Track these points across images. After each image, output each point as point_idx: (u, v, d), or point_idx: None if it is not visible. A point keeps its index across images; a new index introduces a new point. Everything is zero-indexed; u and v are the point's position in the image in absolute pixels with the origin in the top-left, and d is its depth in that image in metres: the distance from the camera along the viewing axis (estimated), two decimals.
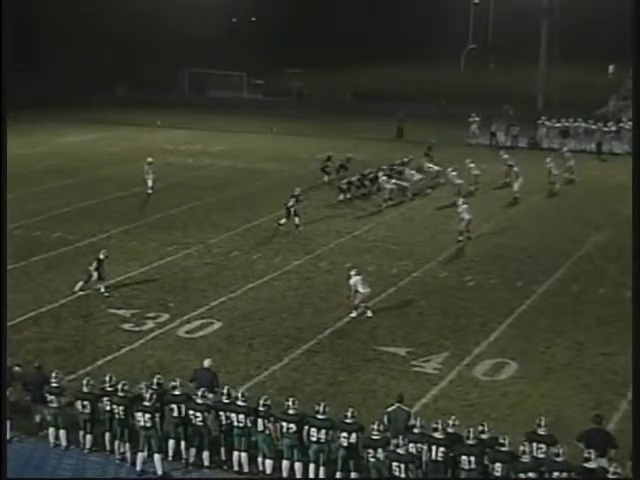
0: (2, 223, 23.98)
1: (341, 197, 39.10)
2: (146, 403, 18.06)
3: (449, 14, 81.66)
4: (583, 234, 34.18)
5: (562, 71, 64.63)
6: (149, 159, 40.07)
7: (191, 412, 18.19)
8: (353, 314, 25.83)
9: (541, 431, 17.05)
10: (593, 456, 16.15)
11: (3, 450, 17.76)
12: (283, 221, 34.53)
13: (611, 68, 71.47)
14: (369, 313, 25.89)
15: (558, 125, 52.57)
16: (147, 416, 17.96)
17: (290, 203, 34.65)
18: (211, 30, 73.79)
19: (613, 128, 51.16)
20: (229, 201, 39.20)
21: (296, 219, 34.48)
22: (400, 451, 16.65)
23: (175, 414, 18.27)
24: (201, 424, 18.12)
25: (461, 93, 65.98)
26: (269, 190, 41.07)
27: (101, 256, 27.59)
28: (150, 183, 39.53)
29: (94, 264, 27.34)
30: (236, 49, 74.90)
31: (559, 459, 16.21)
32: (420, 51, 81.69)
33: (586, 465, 16.06)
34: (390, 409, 18.18)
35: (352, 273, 26.09)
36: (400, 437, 17.12)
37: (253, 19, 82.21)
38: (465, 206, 33.64)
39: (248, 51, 74.62)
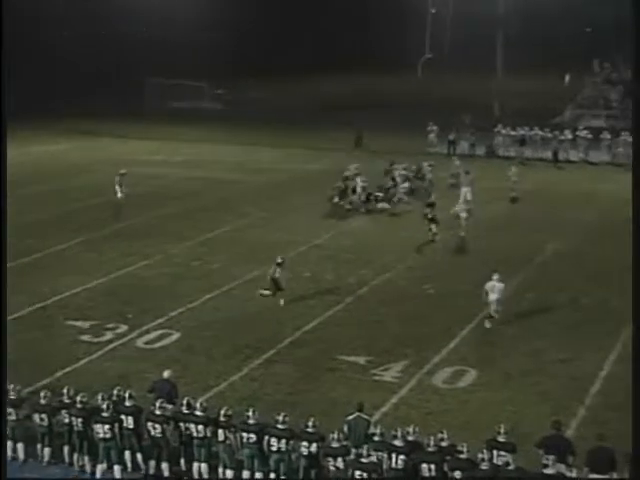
0: (2, 224, 23.80)
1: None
2: (104, 414, 17.97)
3: (406, 23, 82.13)
4: (541, 241, 34.35)
5: (519, 80, 65.14)
6: (122, 170, 39.31)
7: (149, 423, 18.09)
8: (488, 325, 25.60)
9: (501, 438, 17.13)
10: (551, 462, 16.25)
11: (3, 450, 17.77)
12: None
13: (567, 77, 72.06)
14: (487, 324, 25.64)
15: (514, 133, 52.84)
16: (106, 427, 17.86)
17: (427, 211, 34.34)
18: (175, 41, 73.75)
19: (569, 136, 51.42)
20: (190, 211, 39.02)
21: (433, 227, 34.12)
22: (360, 459, 16.67)
23: (128, 425, 18.11)
24: (160, 435, 18.03)
25: (418, 102, 66.32)
26: (230, 200, 40.98)
27: (279, 260, 27.25)
28: (119, 194, 38.68)
29: (274, 269, 26.96)
30: (198, 59, 74.81)
31: (510, 467, 16.36)
32: (378, 60, 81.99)
33: (544, 471, 16.17)
34: (350, 418, 18.19)
35: (494, 277, 25.64)
36: (361, 446, 17.16)
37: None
38: (464, 206, 34.10)
39: (210, 61, 74.47)
